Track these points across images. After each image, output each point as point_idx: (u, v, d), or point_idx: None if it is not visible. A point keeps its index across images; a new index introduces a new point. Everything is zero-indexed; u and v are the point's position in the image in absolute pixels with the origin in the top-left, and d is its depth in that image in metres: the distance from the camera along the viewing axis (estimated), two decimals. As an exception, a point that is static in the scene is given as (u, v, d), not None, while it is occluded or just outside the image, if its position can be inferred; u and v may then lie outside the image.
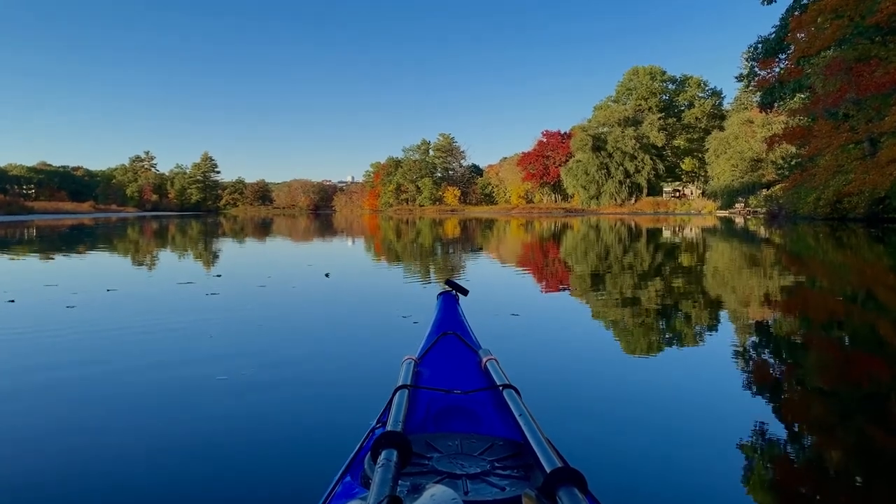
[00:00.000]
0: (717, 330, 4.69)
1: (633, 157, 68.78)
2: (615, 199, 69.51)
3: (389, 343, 4.08)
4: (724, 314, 5.39)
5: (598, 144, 70.13)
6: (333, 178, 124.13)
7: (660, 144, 68.99)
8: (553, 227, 28.96)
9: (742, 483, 2.00)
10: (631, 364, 3.65)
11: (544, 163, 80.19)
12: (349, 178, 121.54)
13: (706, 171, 62.84)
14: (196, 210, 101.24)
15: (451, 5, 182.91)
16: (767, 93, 32.78)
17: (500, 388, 1.67)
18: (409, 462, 1.21)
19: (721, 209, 52.59)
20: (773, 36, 31.04)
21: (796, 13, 27.98)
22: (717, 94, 73.72)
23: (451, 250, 13.97)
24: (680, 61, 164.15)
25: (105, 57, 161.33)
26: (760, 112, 41.92)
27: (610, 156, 69.40)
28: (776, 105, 34.73)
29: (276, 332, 4.45)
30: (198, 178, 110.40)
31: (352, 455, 1.44)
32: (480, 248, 14.70)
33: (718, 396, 2.98)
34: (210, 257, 12.08)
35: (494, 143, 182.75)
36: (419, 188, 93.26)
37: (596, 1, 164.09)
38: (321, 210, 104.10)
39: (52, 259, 11.26)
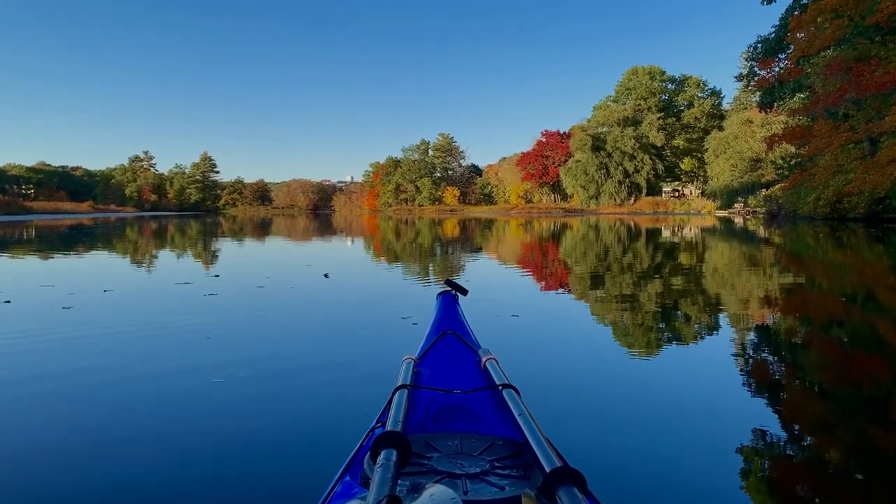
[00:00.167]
0: (716, 330, 4.69)
1: (632, 157, 68.80)
2: (614, 199, 69.53)
3: (389, 343, 4.08)
4: (723, 314, 5.39)
5: (598, 144, 70.15)
6: (333, 178, 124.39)
7: (659, 144, 69.00)
8: (552, 227, 28.96)
9: (742, 483, 2.00)
10: (631, 364, 3.65)
11: (543, 163, 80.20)
12: (348, 178, 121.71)
13: (705, 171, 62.85)
14: (195, 210, 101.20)
15: (451, 5, 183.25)
16: (767, 92, 32.78)
17: (500, 387, 1.67)
18: (409, 462, 1.21)
19: (720, 209, 52.60)
20: (772, 35, 31.05)
21: (796, 13, 27.98)
22: (716, 93, 73.79)
23: (450, 250, 13.96)
24: (679, 61, 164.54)
25: (105, 57, 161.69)
26: (760, 112, 41.99)
27: (609, 156, 69.41)
28: (776, 105, 34.76)
29: (275, 333, 4.44)
30: (197, 178, 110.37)
31: (351, 455, 1.43)
32: (480, 248, 14.70)
33: (718, 396, 2.98)
34: (208, 257, 12.07)
35: (494, 143, 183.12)
36: (418, 188, 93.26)
37: (596, 1, 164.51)
38: (320, 210, 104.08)
39: (50, 259, 11.26)
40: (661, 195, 69.69)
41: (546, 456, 1.22)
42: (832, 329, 4.89)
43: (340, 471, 1.35)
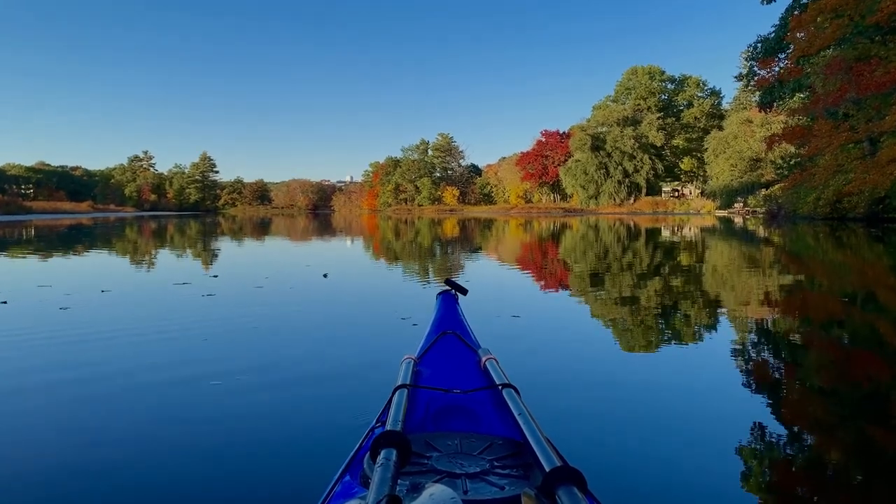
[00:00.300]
0: (716, 330, 4.69)
1: (631, 157, 68.78)
2: (614, 199, 69.51)
3: (388, 343, 4.07)
4: (723, 314, 5.39)
5: (597, 144, 70.12)
6: (332, 178, 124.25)
7: (659, 144, 68.98)
8: (552, 226, 28.97)
9: (741, 483, 1.99)
10: (630, 363, 3.65)
11: (543, 162, 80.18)
12: (348, 178, 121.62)
13: (705, 171, 62.81)
14: (194, 210, 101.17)
15: (451, 5, 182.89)
16: (767, 92, 32.76)
17: (500, 387, 1.67)
18: (409, 461, 1.21)
19: (720, 209, 52.60)
20: (772, 35, 31.04)
21: (796, 12, 27.98)
22: (715, 93, 73.74)
23: (450, 250, 13.96)
24: (679, 61, 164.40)
25: (105, 57, 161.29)
26: (760, 112, 41.96)
27: (609, 155, 69.39)
28: (775, 105, 34.73)
29: (274, 333, 4.44)
30: (196, 177, 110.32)
31: (351, 454, 1.43)
32: (479, 248, 14.70)
33: (718, 396, 2.97)
34: (207, 257, 12.06)
35: (494, 142, 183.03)
36: (418, 188, 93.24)
37: (596, 1, 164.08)
38: (320, 210, 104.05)
39: (48, 259, 11.25)
40: (661, 195, 69.66)
41: (546, 455, 1.22)
42: (832, 329, 4.89)
43: (340, 470, 1.35)
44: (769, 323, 5.03)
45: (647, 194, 69.40)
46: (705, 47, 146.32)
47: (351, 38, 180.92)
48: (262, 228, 29.05)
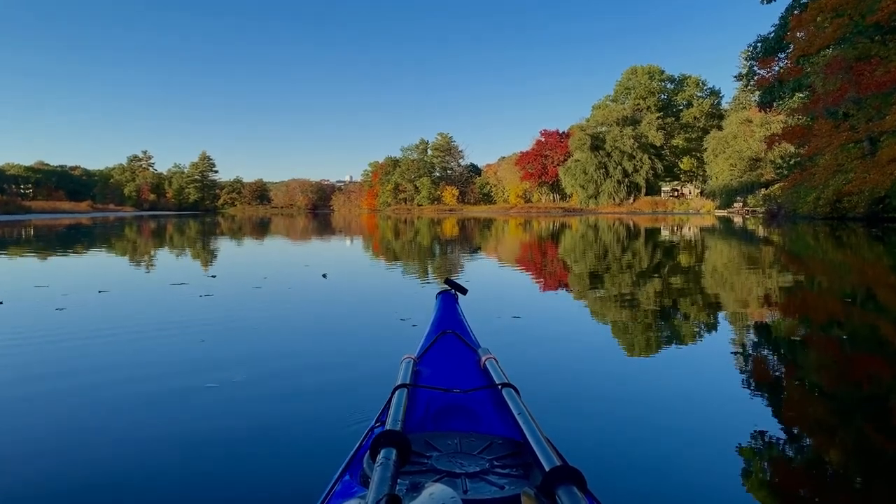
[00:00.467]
0: (716, 330, 4.69)
1: (631, 157, 68.80)
2: (613, 199, 69.54)
3: (388, 343, 4.07)
4: (723, 314, 5.39)
5: (597, 144, 70.14)
6: (332, 178, 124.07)
7: (658, 144, 68.99)
8: (551, 226, 28.97)
9: (741, 482, 1.99)
10: (630, 363, 3.65)
11: (542, 162, 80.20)
12: (347, 178, 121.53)
13: (704, 171, 62.84)
14: (194, 209, 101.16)
15: (451, 5, 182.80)
16: (767, 92, 32.78)
17: (500, 386, 1.67)
18: (409, 461, 1.20)
19: (720, 209, 52.64)
20: (772, 35, 31.06)
21: (796, 12, 28.00)
22: (715, 93, 73.77)
23: (449, 250, 13.96)
24: (679, 61, 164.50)
25: (105, 57, 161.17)
26: (759, 111, 41.99)
27: (608, 155, 69.41)
28: (775, 104, 34.75)
29: (273, 334, 4.42)
30: (196, 177, 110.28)
31: (351, 454, 1.43)
32: (479, 248, 14.71)
33: (718, 396, 2.97)
34: (206, 257, 12.05)
35: (493, 142, 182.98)
36: (417, 188, 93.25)
37: (596, 1, 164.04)
38: (319, 209, 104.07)
39: (46, 259, 11.24)
40: (660, 195, 69.69)
41: (545, 455, 1.21)
42: (832, 329, 4.89)
43: (340, 470, 1.35)
44: (769, 323, 5.03)
45: (646, 194, 69.43)
46: (705, 47, 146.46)
47: (351, 38, 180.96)
48: (261, 228, 29.05)
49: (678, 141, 70.96)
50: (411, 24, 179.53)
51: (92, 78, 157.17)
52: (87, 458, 2.17)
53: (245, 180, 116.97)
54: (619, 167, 69.28)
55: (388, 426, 1.40)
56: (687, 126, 71.80)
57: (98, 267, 10.03)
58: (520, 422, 1.43)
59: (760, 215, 38.81)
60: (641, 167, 68.97)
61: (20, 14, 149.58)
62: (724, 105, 70.07)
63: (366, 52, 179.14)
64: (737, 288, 7.13)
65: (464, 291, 2.30)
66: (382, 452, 1.15)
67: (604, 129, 70.79)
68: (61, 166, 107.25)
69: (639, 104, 73.07)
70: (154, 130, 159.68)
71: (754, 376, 3.37)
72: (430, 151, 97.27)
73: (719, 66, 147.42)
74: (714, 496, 1.92)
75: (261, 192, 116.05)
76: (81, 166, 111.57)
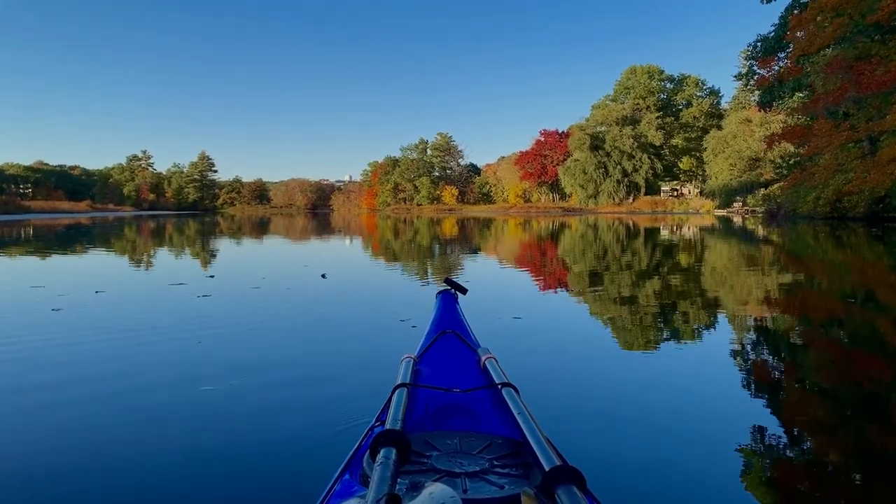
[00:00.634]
0: (716, 330, 4.69)
1: (630, 157, 68.82)
2: (613, 199, 69.55)
3: (387, 342, 4.07)
4: (723, 314, 5.39)
5: (596, 143, 70.16)
6: (331, 178, 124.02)
7: (658, 143, 69.01)
8: (551, 226, 28.97)
9: (741, 482, 1.99)
10: (630, 363, 3.65)
11: (542, 162, 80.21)
12: (347, 178, 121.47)
13: (704, 171, 62.88)
14: (193, 209, 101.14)
15: (451, 5, 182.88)
16: (766, 91, 32.77)
17: (499, 386, 1.67)
18: (408, 460, 1.20)
19: (719, 208, 52.64)
20: (772, 34, 31.04)
21: (796, 11, 27.99)
22: (714, 93, 73.80)
23: (449, 250, 13.96)
24: (678, 61, 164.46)
25: (105, 57, 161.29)
26: (759, 111, 41.98)
27: (608, 155, 69.42)
28: (775, 104, 34.74)
29: (272, 334, 4.41)
30: (195, 177, 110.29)
31: (351, 453, 1.43)
32: (479, 248, 14.70)
33: (718, 396, 2.97)
34: (205, 257, 12.04)
35: (493, 142, 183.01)
36: (417, 187, 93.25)
37: (596, 1, 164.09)
38: (319, 209, 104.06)
39: (43, 259, 11.23)
40: (660, 194, 69.70)
41: (545, 454, 1.21)
42: (832, 329, 4.89)
43: (340, 469, 1.35)
44: (769, 323, 5.03)
45: (645, 194, 69.45)
46: (704, 47, 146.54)
47: (351, 38, 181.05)
48: (260, 228, 29.04)
49: (678, 141, 70.97)
50: (411, 24, 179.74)
51: (92, 78, 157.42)
52: (84, 459, 2.17)
53: (244, 180, 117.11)
54: (619, 167, 69.29)
55: (387, 425, 1.40)
56: (686, 126, 71.82)
57: (96, 267, 10.01)
58: (519, 421, 1.42)
59: (760, 215, 38.82)
60: (641, 167, 68.98)
61: (20, 14, 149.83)
62: (724, 105, 70.10)
63: (366, 52, 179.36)
64: (736, 288, 7.13)
65: (464, 291, 2.30)
66: (382, 452, 1.15)
67: (603, 128, 70.81)
68: (60, 166, 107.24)
69: (638, 104, 73.07)
70: (153, 130, 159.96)
71: (754, 376, 3.37)
72: (429, 151, 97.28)
73: (719, 66, 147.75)
74: (714, 496, 1.92)
75: (260, 192, 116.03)
76: (81, 166, 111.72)
